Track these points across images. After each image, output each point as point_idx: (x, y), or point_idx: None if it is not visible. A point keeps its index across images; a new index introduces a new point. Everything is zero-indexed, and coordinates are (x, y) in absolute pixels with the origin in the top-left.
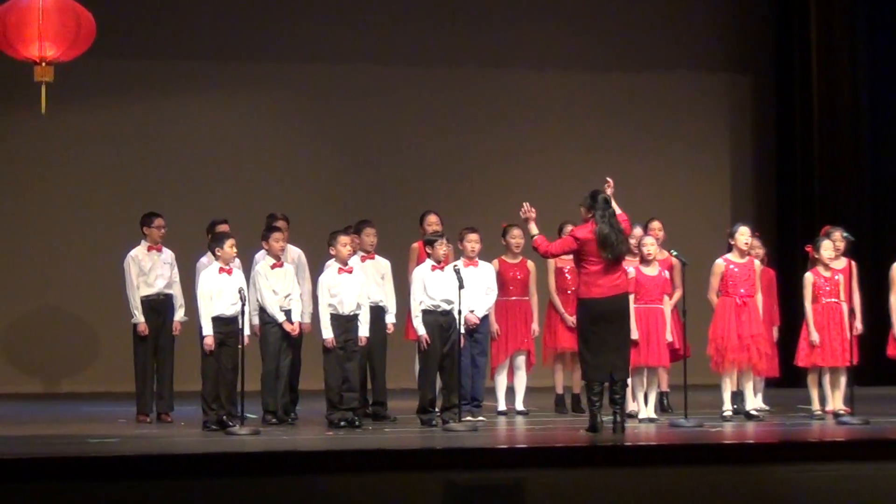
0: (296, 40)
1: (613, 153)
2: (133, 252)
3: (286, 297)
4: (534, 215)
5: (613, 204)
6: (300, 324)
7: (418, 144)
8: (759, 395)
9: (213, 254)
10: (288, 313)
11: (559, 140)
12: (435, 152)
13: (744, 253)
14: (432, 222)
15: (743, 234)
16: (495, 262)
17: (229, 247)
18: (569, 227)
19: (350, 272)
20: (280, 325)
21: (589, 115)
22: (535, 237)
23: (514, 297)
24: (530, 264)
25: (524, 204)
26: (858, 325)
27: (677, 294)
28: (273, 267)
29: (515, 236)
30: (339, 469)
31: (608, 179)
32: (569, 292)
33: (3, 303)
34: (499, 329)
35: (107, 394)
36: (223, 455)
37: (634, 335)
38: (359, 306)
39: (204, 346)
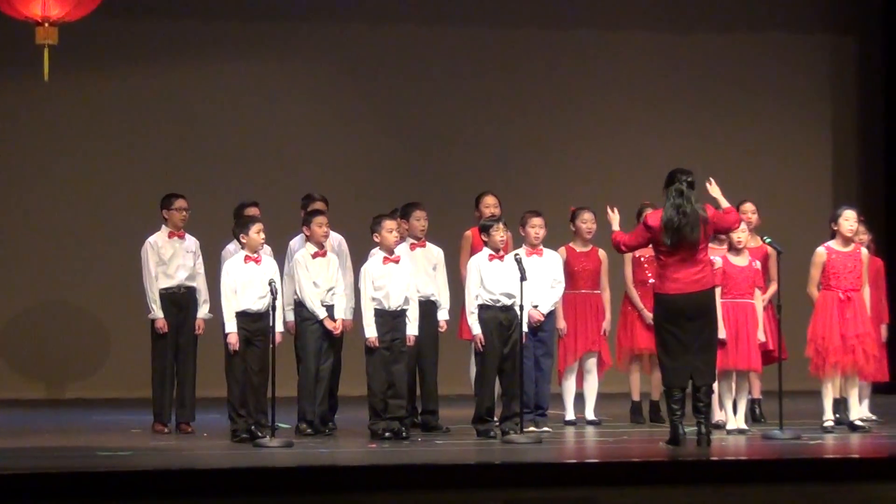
0: None
1: (698, 127)
2: (152, 238)
3: (329, 290)
4: (615, 217)
5: (720, 198)
6: (342, 321)
7: (473, 117)
8: (866, 403)
9: (238, 240)
10: (330, 309)
11: (634, 111)
12: (492, 126)
13: (848, 240)
14: (490, 205)
15: (848, 219)
16: (562, 249)
17: (256, 232)
18: (648, 210)
19: (397, 262)
20: (321, 323)
21: (669, 82)
22: (613, 232)
23: (583, 291)
24: (602, 253)
25: (610, 210)
26: None
27: (771, 287)
28: (315, 256)
29: (586, 220)
30: (383, 486)
31: (710, 180)
32: (647, 284)
33: (1, 297)
34: (566, 327)
35: (119, 400)
36: (252, 470)
37: (721, 334)
38: (407, 301)
39: (227, 345)
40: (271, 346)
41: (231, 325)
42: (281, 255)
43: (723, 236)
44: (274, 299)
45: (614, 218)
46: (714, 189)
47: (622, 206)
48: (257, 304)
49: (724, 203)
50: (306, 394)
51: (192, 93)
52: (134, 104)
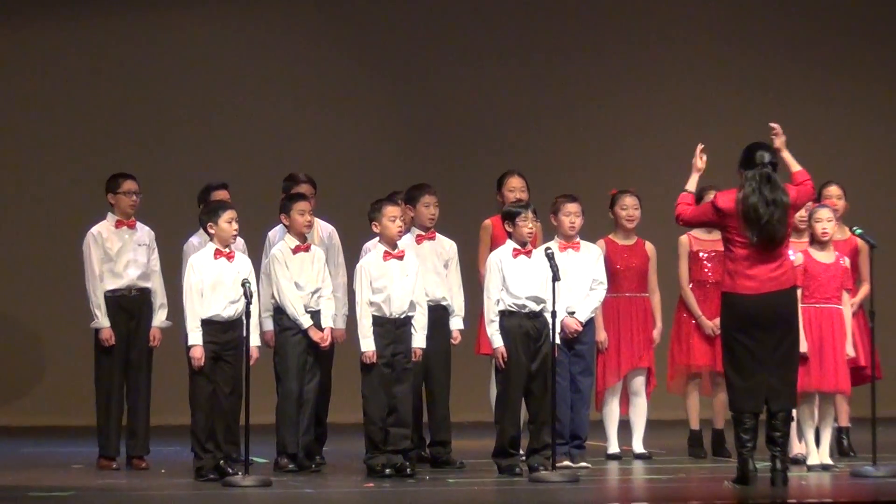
0: None
1: (772, 91)
2: (95, 229)
3: (314, 293)
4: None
5: (788, 158)
6: (331, 330)
7: (493, 82)
8: None
9: (206, 231)
10: (316, 316)
11: (690, 70)
12: (516, 91)
13: None
14: (515, 187)
15: None
16: (601, 242)
17: (227, 221)
18: (710, 194)
19: (400, 258)
20: (305, 333)
21: (735, 35)
22: (684, 192)
23: (627, 294)
24: (650, 247)
25: (700, 148)
26: None
27: (863, 289)
28: (296, 250)
29: (628, 206)
30: None
31: (773, 125)
32: (708, 286)
33: None
34: (607, 339)
35: (56, 429)
36: None
37: (803, 347)
38: (412, 306)
39: (191, 361)
40: (245, 362)
41: (195, 337)
42: (257, 251)
43: (802, 225)
44: (248, 304)
45: (696, 164)
46: (780, 140)
47: (677, 189)
48: (228, 310)
49: (796, 165)
50: (287, 421)
51: (148, 47)
52: (73, 60)
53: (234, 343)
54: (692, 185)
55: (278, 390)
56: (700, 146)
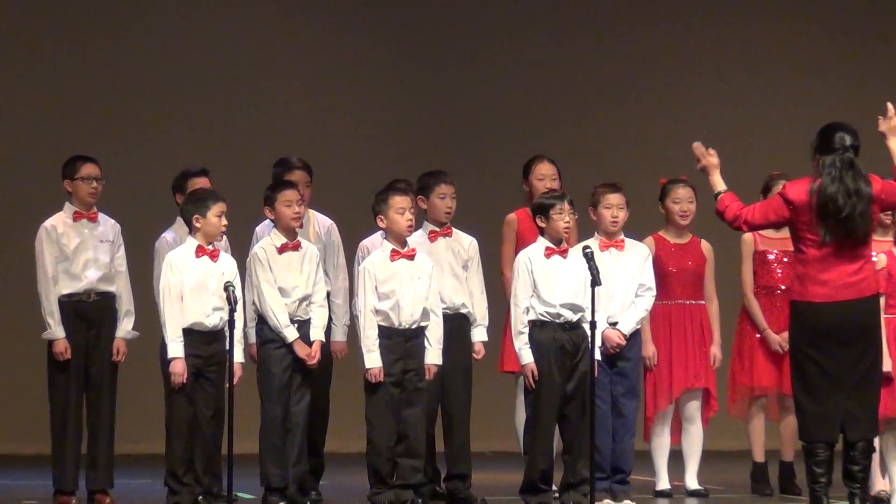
0: None
1: (842, 74)
2: (49, 222)
3: (302, 300)
4: (716, 161)
5: (894, 147)
6: (321, 344)
7: (519, 54)
8: None
9: (189, 225)
10: (304, 327)
11: (749, 48)
12: (546, 65)
13: None
14: (544, 175)
15: None
16: (649, 240)
17: (216, 215)
18: (780, 185)
19: (411, 257)
20: (289, 347)
21: (793, 13)
22: (720, 195)
23: (679, 301)
24: (706, 246)
25: (696, 146)
26: None
27: None
28: (282, 249)
29: (681, 199)
30: None
31: (889, 104)
32: (777, 293)
33: None
34: (656, 353)
35: (6, 458)
36: None
37: (886, 366)
38: (426, 315)
39: (171, 379)
40: (228, 380)
41: (176, 348)
42: (242, 249)
43: (888, 220)
44: (232, 312)
45: (710, 161)
46: (888, 125)
47: (738, 178)
48: (212, 317)
49: None
50: (270, 450)
51: (107, 8)
52: (20, 27)
53: (217, 357)
54: (721, 183)
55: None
56: (695, 144)
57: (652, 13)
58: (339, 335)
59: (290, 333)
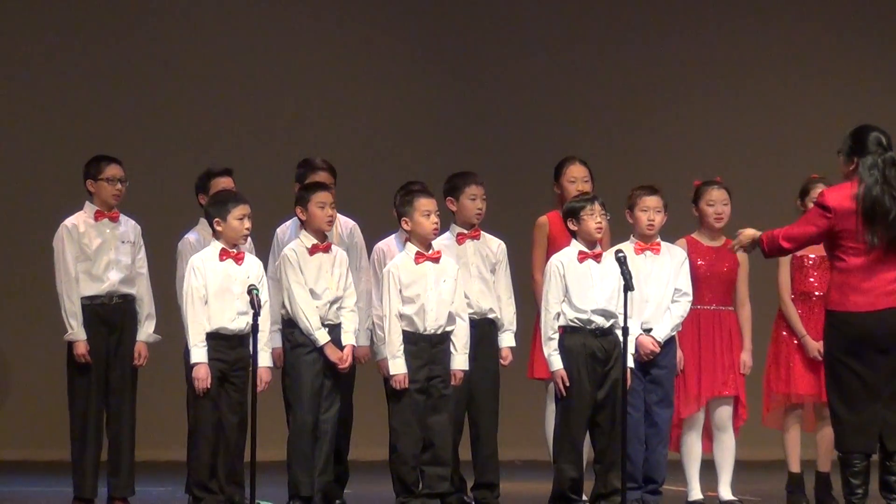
0: None
1: (878, 72)
2: (69, 221)
3: (333, 303)
4: (749, 232)
5: None
6: (353, 348)
7: (550, 54)
8: None
9: (212, 227)
10: (335, 331)
11: (785, 51)
12: (580, 69)
13: None
14: (576, 177)
15: None
16: (682, 242)
17: (238, 218)
18: (818, 188)
19: (436, 260)
20: (320, 351)
21: (825, 16)
22: (759, 237)
23: (712, 306)
24: None
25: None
26: None
27: None
28: (313, 251)
29: (715, 202)
30: None
31: None
32: (814, 299)
33: None
34: (683, 358)
35: (22, 465)
36: None
37: None
38: (452, 319)
39: (194, 384)
40: (252, 386)
41: (199, 353)
42: (264, 251)
43: None
44: (256, 316)
45: (744, 237)
46: None
47: (774, 182)
48: (237, 321)
49: None
50: (300, 458)
51: (132, 8)
52: (44, 26)
53: (242, 362)
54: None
55: (289, 421)
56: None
57: (687, 17)
58: (362, 340)
59: (322, 336)
